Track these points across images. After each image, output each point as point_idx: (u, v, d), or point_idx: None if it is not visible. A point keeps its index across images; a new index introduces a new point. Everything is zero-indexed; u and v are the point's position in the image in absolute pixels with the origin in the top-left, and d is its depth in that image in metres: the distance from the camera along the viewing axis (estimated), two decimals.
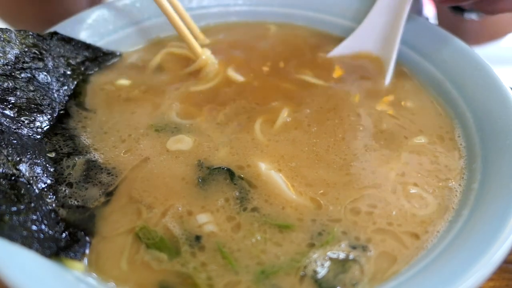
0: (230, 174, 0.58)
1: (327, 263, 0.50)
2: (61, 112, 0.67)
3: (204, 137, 0.64)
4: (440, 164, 0.61)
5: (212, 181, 0.58)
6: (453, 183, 0.58)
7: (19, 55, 0.65)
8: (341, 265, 0.50)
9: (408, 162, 0.61)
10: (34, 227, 0.48)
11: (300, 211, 0.55)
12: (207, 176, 0.58)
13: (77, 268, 0.49)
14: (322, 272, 0.49)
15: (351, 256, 0.50)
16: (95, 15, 0.80)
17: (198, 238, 0.52)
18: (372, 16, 0.80)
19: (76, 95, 0.71)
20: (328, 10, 0.86)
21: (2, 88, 0.61)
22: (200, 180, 0.57)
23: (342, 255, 0.50)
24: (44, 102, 0.65)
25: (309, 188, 0.57)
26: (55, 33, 0.72)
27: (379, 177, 0.58)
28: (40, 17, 0.99)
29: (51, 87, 0.67)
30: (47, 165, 0.58)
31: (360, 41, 0.80)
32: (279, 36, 0.86)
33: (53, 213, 0.53)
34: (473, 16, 0.91)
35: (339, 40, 0.82)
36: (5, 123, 0.59)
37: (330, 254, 0.50)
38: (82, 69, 0.74)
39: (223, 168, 0.58)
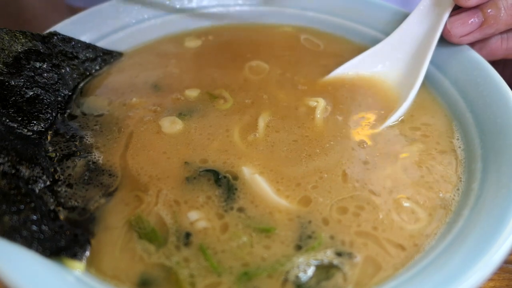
0: (214, 173, 0.58)
1: (311, 269, 0.49)
2: (62, 112, 0.67)
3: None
4: (437, 174, 0.60)
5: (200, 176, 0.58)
6: (448, 195, 0.57)
7: (19, 55, 0.65)
8: (324, 271, 0.49)
9: (405, 171, 0.60)
10: (34, 227, 0.48)
11: (289, 213, 0.54)
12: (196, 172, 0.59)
13: (77, 268, 0.49)
14: (304, 277, 0.49)
15: (335, 262, 0.50)
16: (95, 15, 0.80)
17: (188, 235, 0.52)
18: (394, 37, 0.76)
19: (76, 95, 0.71)
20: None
21: (2, 87, 0.61)
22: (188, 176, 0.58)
23: (326, 262, 0.50)
24: (44, 102, 0.65)
25: (298, 187, 0.57)
26: (56, 33, 0.72)
27: (374, 183, 0.58)
28: None
29: (51, 87, 0.67)
30: (47, 165, 0.58)
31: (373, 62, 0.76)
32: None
33: (53, 214, 0.53)
34: None
35: (358, 48, 0.81)
36: (5, 123, 0.59)
37: (314, 260, 0.50)
38: (82, 69, 0.74)
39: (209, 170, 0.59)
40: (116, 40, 0.81)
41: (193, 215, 0.54)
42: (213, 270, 0.49)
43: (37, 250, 0.46)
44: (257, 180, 0.57)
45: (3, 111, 0.60)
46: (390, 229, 0.53)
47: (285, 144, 0.63)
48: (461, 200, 0.56)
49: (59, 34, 0.72)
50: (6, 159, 0.51)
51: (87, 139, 0.64)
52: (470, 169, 0.59)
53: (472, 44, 0.71)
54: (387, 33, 0.78)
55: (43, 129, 0.63)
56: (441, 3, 0.72)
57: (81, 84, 0.73)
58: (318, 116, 0.67)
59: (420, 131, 0.66)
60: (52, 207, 0.54)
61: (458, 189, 0.58)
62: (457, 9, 0.70)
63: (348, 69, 0.76)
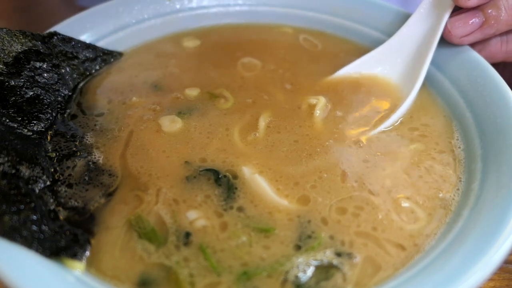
0: (214, 172, 0.58)
1: (310, 269, 0.49)
2: (62, 112, 0.67)
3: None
4: (436, 174, 0.60)
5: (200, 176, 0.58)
6: (448, 195, 0.57)
7: (19, 55, 0.65)
8: (324, 271, 0.49)
9: (404, 171, 0.60)
10: (34, 227, 0.48)
11: (288, 213, 0.54)
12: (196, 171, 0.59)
13: (77, 268, 0.49)
14: (304, 278, 0.49)
15: (335, 263, 0.50)
16: (95, 15, 0.80)
17: (187, 234, 0.52)
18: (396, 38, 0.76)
19: (76, 95, 0.71)
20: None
21: (2, 87, 0.61)
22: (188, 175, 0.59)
23: (326, 262, 0.50)
24: (44, 102, 0.65)
25: (296, 186, 0.57)
26: (56, 33, 0.72)
27: (373, 183, 0.58)
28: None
29: (51, 87, 0.67)
30: (47, 165, 0.58)
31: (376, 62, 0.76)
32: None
33: (53, 214, 0.53)
34: None
35: (357, 48, 0.81)
36: (5, 123, 0.59)
37: (313, 260, 0.50)
38: (82, 69, 0.74)
39: (209, 170, 0.59)
40: (116, 40, 0.80)
41: (192, 214, 0.54)
42: (212, 269, 0.49)
43: (37, 250, 0.46)
44: (257, 180, 0.57)
45: (3, 111, 0.60)
46: (390, 229, 0.53)
47: (285, 145, 0.63)
48: (461, 200, 0.56)
49: (59, 34, 0.72)
50: (6, 159, 0.51)
51: (87, 139, 0.64)
52: (470, 169, 0.59)
53: (471, 46, 0.71)
54: (386, 33, 0.78)
55: (43, 129, 0.63)
56: (441, 4, 0.72)
57: (81, 84, 0.73)
58: (318, 112, 0.67)
59: (419, 131, 0.66)
60: (52, 207, 0.54)
61: (458, 189, 0.58)
62: (457, 10, 0.70)
63: (349, 71, 0.76)
